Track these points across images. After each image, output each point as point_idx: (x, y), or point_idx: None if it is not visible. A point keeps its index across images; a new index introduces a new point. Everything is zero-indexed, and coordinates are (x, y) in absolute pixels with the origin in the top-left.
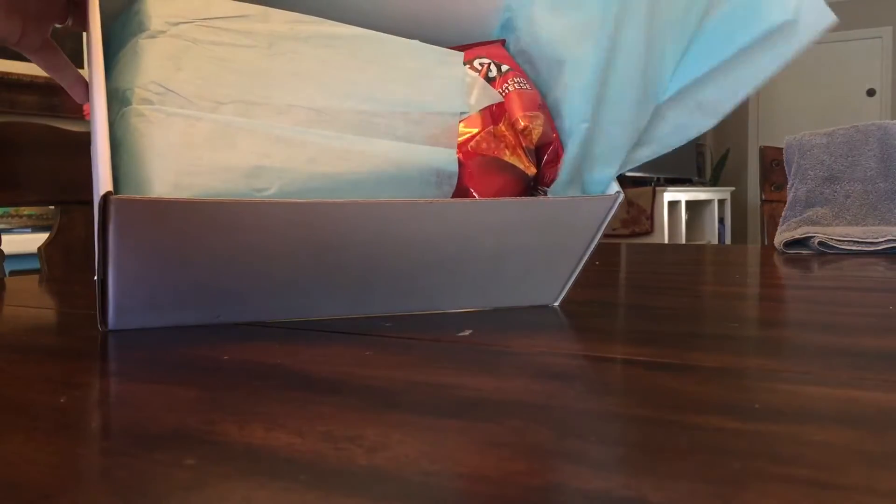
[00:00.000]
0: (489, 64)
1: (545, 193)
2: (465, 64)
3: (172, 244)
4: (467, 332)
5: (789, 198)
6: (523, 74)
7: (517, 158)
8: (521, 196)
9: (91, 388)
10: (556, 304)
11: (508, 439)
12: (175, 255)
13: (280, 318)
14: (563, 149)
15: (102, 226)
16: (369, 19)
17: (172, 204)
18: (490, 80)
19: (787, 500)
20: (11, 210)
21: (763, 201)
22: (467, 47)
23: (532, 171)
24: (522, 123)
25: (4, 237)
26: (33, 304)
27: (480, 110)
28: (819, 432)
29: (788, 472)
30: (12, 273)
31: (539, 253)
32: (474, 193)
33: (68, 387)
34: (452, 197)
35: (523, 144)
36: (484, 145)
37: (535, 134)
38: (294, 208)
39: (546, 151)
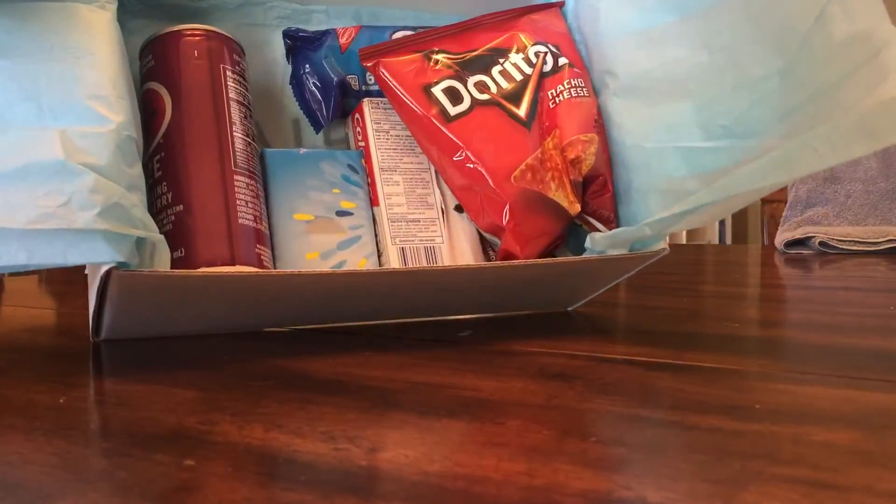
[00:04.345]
0: (545, 54)
1: (586, 222)
2: (519, 53)
3: (173, 301)
4: (467, 333)
5: (790, 197)
6: (582, 70)
7: (562, 194)
8: (560, 236)
9: (90, 388)
10: (570, 308)
11: (508, 439)
12: (179, 316)
13: (269, 327)
14: (612, 187)
15: (100, 296)
16: None
17: (183, 279)
18: (543, 77)
19: (787, 500)
20: None
21: (764, 201)
22: (524, 11)
23: (576, 208)
24: (572, 155)
25: None
26: (33, 304)
27: (532, 123)
28: (819, 432)
29: (788, 473)
30: (12, 273)
31: (568, 289)
32: (511, 236)
33: (68, 387)
34: (484, 226)
35: (571, 177)
36: (529, 177)
37: (586, 166)
38: (323, 280)
39: (594, 181)
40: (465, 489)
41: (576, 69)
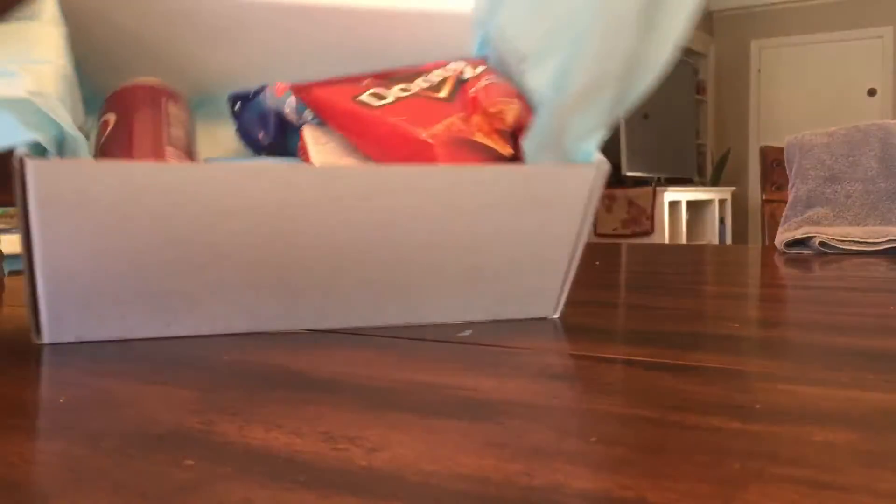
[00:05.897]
0: (465, 67)
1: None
2: (439, 69)
3: (104, 221)
4: (467, 333)
5: (790, 198)
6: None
7: (491, 140)
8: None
9: (90, 388)
10: (556, 315)
11: (508, 439)
12: (108, 237)
13: (238, 330)
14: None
15: (22, 200)
16: (350, 47)
17: (102, 167)
18: (463, 82)
19: (787, 500)
20: (11, 210)
21: (764, 201)
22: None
23: (508, 150)
24: (495, 109)
25: (4, 237)
26: None
27: (455, 100)
28: (820, 432)
29: (789, 473)
30: (12, 273)
31: (522, 242)
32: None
33: (68, 387)
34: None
35: (498, 127)
36: (455, 127)
37: (510, 115)
38: (235, 172)
39: (522, 132)
40: (465, 489)
41: (493, 73)
